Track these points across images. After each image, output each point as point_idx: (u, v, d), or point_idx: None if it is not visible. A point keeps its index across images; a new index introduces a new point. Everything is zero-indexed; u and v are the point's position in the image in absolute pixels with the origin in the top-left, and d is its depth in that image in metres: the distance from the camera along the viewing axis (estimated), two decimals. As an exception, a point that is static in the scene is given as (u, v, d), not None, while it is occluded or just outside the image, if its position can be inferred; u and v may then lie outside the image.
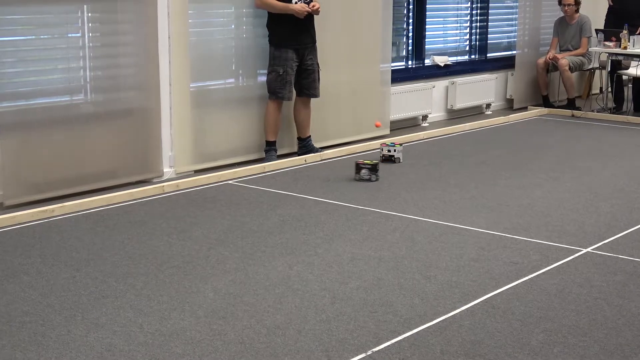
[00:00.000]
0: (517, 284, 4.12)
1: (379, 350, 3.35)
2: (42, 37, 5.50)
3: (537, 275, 4.26)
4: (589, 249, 4.63)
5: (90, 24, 5.67)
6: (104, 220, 5.20)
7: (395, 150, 6.50)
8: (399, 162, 6.48)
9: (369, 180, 5.90)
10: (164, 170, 6.20)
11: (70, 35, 5.64)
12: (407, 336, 3.49)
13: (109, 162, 5.85)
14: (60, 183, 5.59)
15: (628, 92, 9.56)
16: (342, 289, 4.03)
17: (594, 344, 3.44)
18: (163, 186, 5.90)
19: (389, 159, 6.39)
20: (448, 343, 3.44)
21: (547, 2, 9.61)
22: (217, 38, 6.51)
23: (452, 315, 3.71)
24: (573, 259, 4.49)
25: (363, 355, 3.30)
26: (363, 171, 5.91)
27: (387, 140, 6.67)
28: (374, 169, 5.94)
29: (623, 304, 3.87)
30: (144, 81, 5.98)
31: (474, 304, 3.85)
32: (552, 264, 4.41)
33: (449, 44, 9.16)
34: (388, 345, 3.40)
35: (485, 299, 3.92)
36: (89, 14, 5.66)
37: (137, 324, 3.60)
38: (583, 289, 4.09)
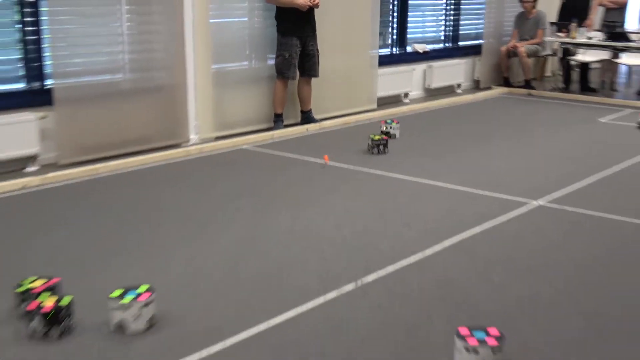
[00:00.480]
0: (481, 231, 4.15)
1: (367, 282, 3.42)
2: (88, 26, 5.49)
3: (498, 223, 4.30)
4: (540, 202, 4.67)
5: (127, 15, 5.71)
6: (140, 177, 5.26)
7: (391, 128, 6.46)
8: (395, 137, 6.37)
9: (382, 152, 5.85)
10: (190, 136, 6.23)
11: (111, 24, 5.62)
12: (390, 271, 3.55)
13: (144, 129, 5.89)
14: (104, 146, 5.66)
15: (575, 75, 9.56)
16: (337, 234, 4.07)
17: (545, 281, 3.49)
18: (189, 150, 5.99)
19: (386, 134, 6.36)
20: (423, 276, 3.52)
21: (510, 1, 9.57)
22: (233, 27, 6.48)
23: (426, 255, 3.76)
24: (527, 210, 4.53)
25: (353, 285, 3.37)
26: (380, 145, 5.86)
27: (387, 118, 6.64)
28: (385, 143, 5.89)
29: (568, 247, 3.95)
30: (172, 63, 5.98)
31: (445, 247, 3.90)
32: (510, 214, 4.45)
33: (427, 34, 9.14)
34: (374, 278, 3.47)
35: (455, 243, 3.96)
36: (127, 7, 5.70)
37: (167, 264, 3.66)
38: (535, 235, 4.15)
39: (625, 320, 3.08)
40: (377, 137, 5.83)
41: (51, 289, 2.99)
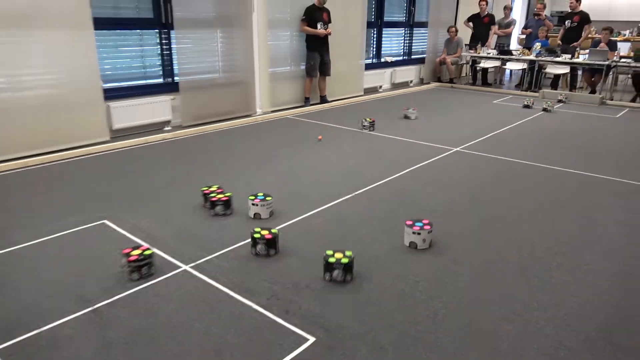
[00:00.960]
0: (422, 164, 4.18)
1: (357, 193, 3.48)
2: (198, 45, 5.50)
3: (432, 160, 4.31)
4: (457, 149, 4.69)
5: (220, 38, 5.70)
6: (228, 134, 5.27)
7: (411, 112, 6.01)
8: (414, 118, 5.95)
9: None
10: (256, 110, 6.25)
11: (210, 44, 5.58)
12: (370, 187, 3.61)
13: (230, 106, 5.96)
14: (207, 115, 5.72)
15: (479, 75, 9.43)
16: (340, 166, 4.11)
17: (459, 193, 3.52)
18: (256, 118, 6.02)
19: (407, 117, 5.95)
20: (389, 191, 3.57)
21: (442, 31, 9.37)
22: (281, 46, 6.38)
23: (391, 179, 3.79)
24: (450, 153, 4.54)
25: (349, 196, 3.42)
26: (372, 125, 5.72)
27: (409, 107, 6.21)
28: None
29: (473, 173, 3.96)
30: (246, 67, 5.95)
31: (402, 174, 3.92)
32: (439, 156, 4.46)
33: (393, 50, 8.99)
34: (361, 191, 3.53)
35: (407, 171, 3.98)
36: (220, 34, 5.68)
37: (234, 182, 3.67)
38: (454, 167, 4.16)
39: (507, 213, 3.17)
40: (369, 120, 5.37)
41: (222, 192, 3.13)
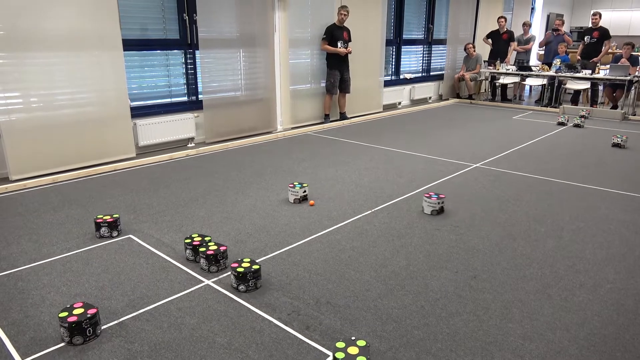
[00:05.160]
0: (442, 180, 4.17)
1: (377, 209, 3.47)
2: (221, 64, 5.58)
3: (452, 176, 4.30)
4: (477, 165, 4.66)
5: (243, 58, 5.78)
6: (250, 150, 5.32)
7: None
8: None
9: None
10: (277, 127, 6.28)
11: (234, 64, 5.63)
12: (389, 203, 3.60)
13: (252, 122, 6.00)
14: (230, 132, 5.78)
15: (498, 91, 9.35)
16: (360, 181, 4.11)
17: (477, 206, 3.52)
18: (277, 134, 6.05)
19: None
20: (409, 206, 3.58)
21: (460, 48, 9.36)
22: (302, 65, 6.41)
23: (410, 195, 3.80)
24: (469, 169, 4.52)
25: (370, 211, 3.42)
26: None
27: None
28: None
29: (492, 189, 3.96)
30: (268, 85, 6.02)
31: (421, 190, 3.90)
32: (460, 171, 4.45)
33: (412, 67, 9.01)
34: (380, 207, 3.53)
35: (427, 187, 3.97)
36: (243, 53, 5.77)
37: (265, 196, 3.67)
38: (474, 182, 4.15)
39: (528, 229, 3.11)
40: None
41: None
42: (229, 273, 2.52)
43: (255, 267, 2.36)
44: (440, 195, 3.36)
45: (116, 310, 2.21)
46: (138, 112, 5.07)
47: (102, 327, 2.09)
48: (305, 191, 3.55)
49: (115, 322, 2.13)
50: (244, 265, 2.37)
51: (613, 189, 3.97)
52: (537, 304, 2.26)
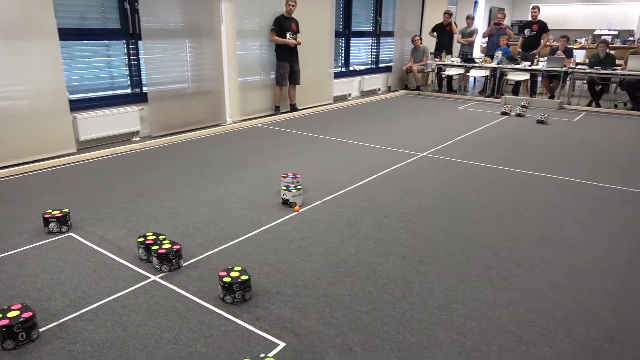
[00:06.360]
0: (391, 170, 4.22)
1: (327, 199, 3.49)
2: (166, 55, 5.43)
3: (400, 165, 4.36)
4: (424, 154, 4.76)
5: (189, 49, 5.65)
6: (198, 143, 5.24)
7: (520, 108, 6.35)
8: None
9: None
10: (226, 119, 6.24)
11: (180, 54, 5.54)
12: (340, 193, 3.63)
13: (200, 115, 5.90)
14: (177, 126, 5.66)
15: (444, 82, 9.64)
16: (311, 173, 4.08)
17: (424, 195, 3.59)
18: (226, 127, 5.98)
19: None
20: (361, 193, 3.63)
21: (408, 40, 9.51)
22: (250, 56, 6.36)
23: (360, 184, 3.83)
24: (417, 158, 4.61)
25: (320, 201, 3.41)
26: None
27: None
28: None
29: (439, 176, 4.03)
30: (215, 76, 5.96)
31: (371, 179, 3.96)
32: (408, 160, 4.53)
33: (361, 59, 9.11)
34: (332, 197, 3.55)
35: (376, 177, 4.02)
36: (189, 44, 5.64)
37: (213, 189, 3.66)
38: (421, 171, 4.22)
39: (472, 215, 3.20)
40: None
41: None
42: (178, 268, 2.47)
43: (244, 277, 2.19)
44: (297, 175, 3.45)
45: (56, 311, 2.12)
46: (78, 105, 4.85)
47: (41, 330, 1.99)
48: (294, 195, 3.22)
49: (55, 323, 2.04)
50: (232, 274, 2.22)
51: (550, 174, 4.19)
52: (479, 284, 2.37)
